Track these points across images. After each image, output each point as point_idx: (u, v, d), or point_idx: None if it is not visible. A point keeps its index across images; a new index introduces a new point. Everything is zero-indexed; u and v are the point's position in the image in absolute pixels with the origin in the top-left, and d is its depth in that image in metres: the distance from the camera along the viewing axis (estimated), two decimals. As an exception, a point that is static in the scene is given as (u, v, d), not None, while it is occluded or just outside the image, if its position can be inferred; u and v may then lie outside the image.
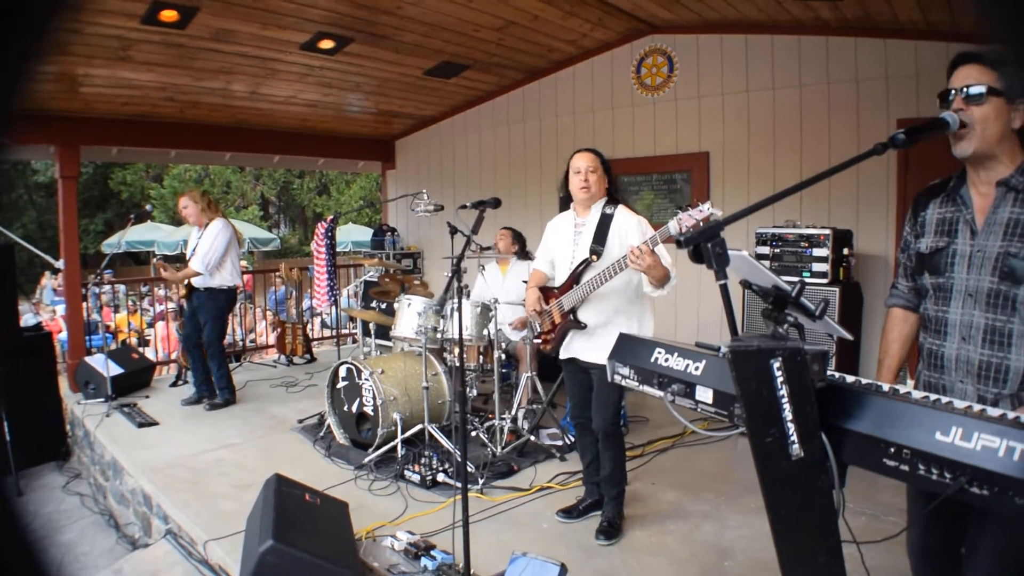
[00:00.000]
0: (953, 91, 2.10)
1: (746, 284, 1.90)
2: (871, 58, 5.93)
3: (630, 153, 7.48)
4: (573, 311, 3.88)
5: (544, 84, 8.30)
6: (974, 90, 2.05)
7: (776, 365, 1.53)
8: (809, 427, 1.59)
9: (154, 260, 6.97)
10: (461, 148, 9.46)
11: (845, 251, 5.42)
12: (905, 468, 1.58)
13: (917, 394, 1.80)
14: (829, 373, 1.80)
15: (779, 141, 6.44)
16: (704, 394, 1.96)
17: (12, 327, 6.38)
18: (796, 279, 5.32)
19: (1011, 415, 1.59)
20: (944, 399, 1.73)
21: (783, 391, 1.56)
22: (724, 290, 1.64)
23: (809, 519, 1.75)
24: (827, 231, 5.35)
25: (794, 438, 1.61)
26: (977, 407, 1.65)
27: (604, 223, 3.84)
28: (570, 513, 4.16)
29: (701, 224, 3.11)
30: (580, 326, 3.86)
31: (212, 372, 6.65)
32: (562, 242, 4.02)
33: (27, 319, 7.92)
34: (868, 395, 1.68)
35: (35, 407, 6.22)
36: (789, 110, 6.39)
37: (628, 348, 2.27)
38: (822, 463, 1.63)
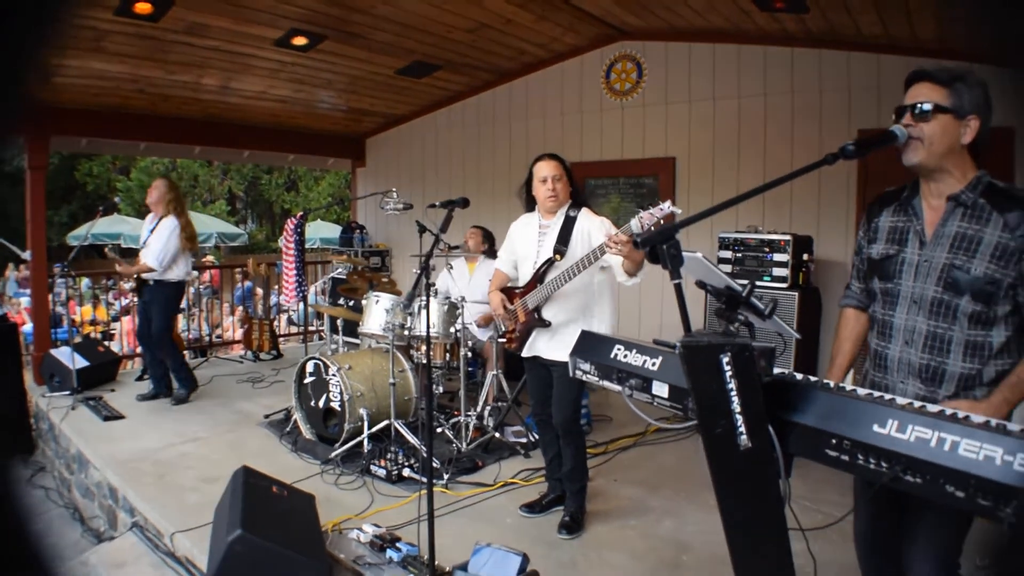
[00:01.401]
0: (906, 108, 2.20)
1: (701, 285, 1.99)
2: (834, 69, 6.10)
3: (598, 156, 7.61)
4: (537, 309, 3.97)
5: (515, 86, 8.39)
6: (922, 107, 2.15)
7: (725, 360, 1.63)
8: (757, 419, 1.70)
9: (107, 250, 6.90)
10: (431, 147, 9.52)
11: (805, 257, 5.57)
12: (845, 458, 1.69)
13: (861, 391, 1.91)
14: (784, 371, 1.91)
15: (744, 148, 6.59)
16: (660, 389, 2.06)
17: (-24, 318, 6.35)
18: (757, 283, 5.49)
19: (948, 411, 1.70)
20: (886, 396, 1.85)
21: (732, 384, 1.66)
22: (678, 289, 1.74)
23: (757, 507, 1.85)
24: (788, 237, 5.50)
25: (742, 429, 1.71)
26: (917, 404, 1.76)
27: (568, 225, 3.94)
28: (533, 508, 4.25)
29: (662, 222, 3.20)
30: (544, 324, 3.94)
31: (169, 366, 6.57)
32: (527, 243, 4.11)
33: (-9, 311, 7.85)
34: (813, 390, 1.79)
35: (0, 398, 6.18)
36: (754, 118, 6.54)
37: (589, 345, 2.36)
38: (769, 453, 1.73)
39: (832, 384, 1.91)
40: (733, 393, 1.67)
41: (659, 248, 1.69)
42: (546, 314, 3.96)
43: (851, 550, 2.67)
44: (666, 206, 3.22)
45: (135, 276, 6.52)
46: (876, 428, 1.63)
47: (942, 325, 2.19)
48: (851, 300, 2.61)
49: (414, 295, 3.65)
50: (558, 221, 3.98)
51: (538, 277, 3.96)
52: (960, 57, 5.22)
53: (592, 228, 3.89)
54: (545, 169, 3.94)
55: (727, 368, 1.64)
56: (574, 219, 3.94)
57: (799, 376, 1.92)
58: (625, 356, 2.20)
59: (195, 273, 9.87)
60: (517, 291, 4.10)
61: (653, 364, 2.10)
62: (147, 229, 6.50)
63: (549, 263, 3.91)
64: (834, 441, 1.69)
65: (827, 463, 1.73)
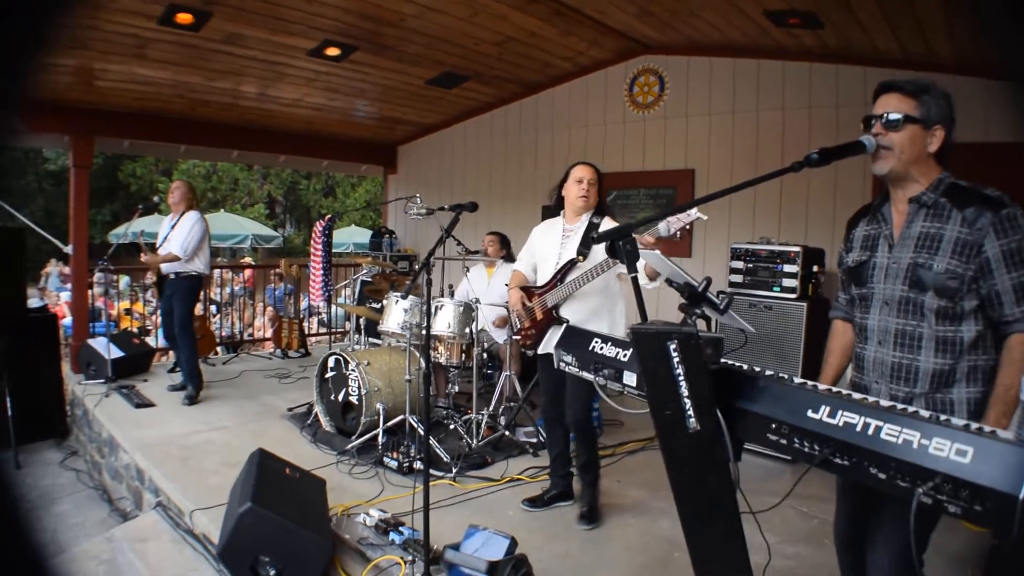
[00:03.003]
0: (875, 118, 2.34)
1: (669, 282, 2.16)
2: (851, 84, 6.18)
3: (620, 168, 7.77)
4: (556, 308, 4.19)
5: (541, 98, 8.60)
6: (892, 117, 2.26)
7: (673, 347, 1.79)
8: (704, 403, 1.85)
9: (143, 241, 7.05)
10: (460, 156, 9.76)
11: (815, 268, 5.66)
12: (784, 441, 1.83)
13: (822, 386, 2.05)
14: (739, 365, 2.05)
15: (761, 161, 6.69)
16: (630, 378, 2.22)
17: (20, 306, 6.68)
18: (767, 293, 5.61)
19: (885, 403, 1.84)
20: (816, 385, 1.98)
21: (679, 370, 1.82)
22: (635, 282, 1.90)
23: (708, 489, 2.00)
24: (797, 248, 5.59)
25: (691, 413, 1.87)
26: (856, 396, 1.90)
27: (591, 230, 4.17)
28: (535, 503, 4.43)
29: (687, 227, 3.41)
30: (562, 322, 4.13)
31: (181, 358, 6.75)
32: (549, 245, 4.31)
33: (33, 302, 8.20)
34: (761, 380, 1.94)
35: (37, 385, 6.50)
36: (772, 132, 6.66)
37: (572, 338, 2.54)
38: (718, 437, 1.89)
39: (783, 375, 2.04)
40: (681, 378, 1.83)
41: (616, 244, 1.85)
42: (564, 313, 4.17)
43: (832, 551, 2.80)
44: (693, 212, 3.39)
45: (157, 273, 6.76)
46: (810, 413, 1.78)
47: (911, 323, 2.29)
48: (838, 312, 2.73)
49: (412, 286, 3.86)
50: (582, 226, 4.19)
51: (559, 277, 4.17)
52: (975, 73, 5.31)
53: None
54: (582, 172, 4.20)
55: (674, 354, 1.80)
56: (597, 225, 4.17)
57: (756, 368, 2.07)
58: (601, 348, 2.37)
59: (230, 273, 10.16)
60: (536, 290, 4.31)
61: (624, 355, 2.26)
62: (168, 226, 6.71)
63: (572, 264, 4.12)
64: (774, 426, 1.83)
65: (769, 447, 1.88)
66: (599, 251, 4.02)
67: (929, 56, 5.70)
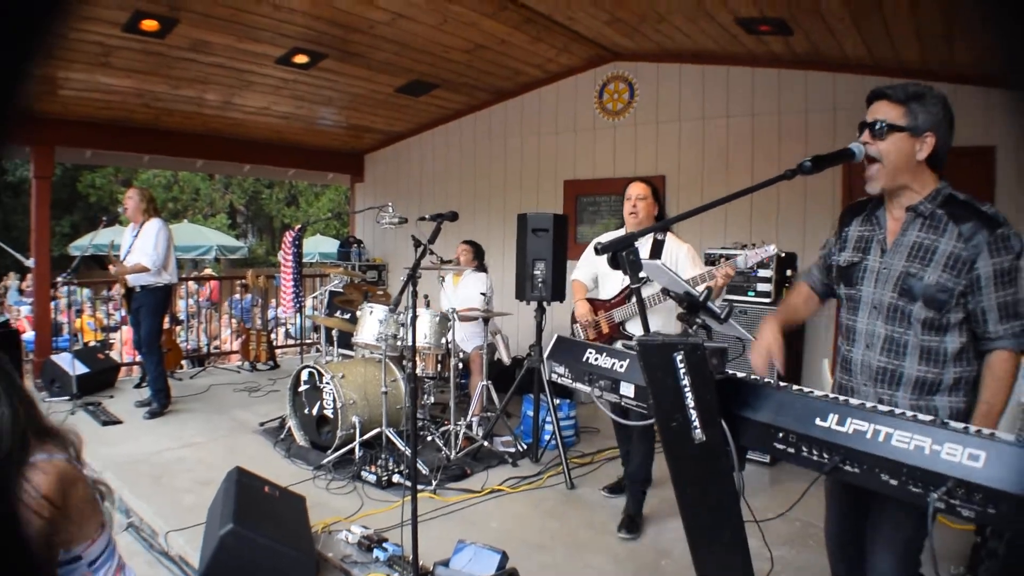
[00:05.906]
0: (867, 124, 2.34)
1: (666, 292, 2.13)
2: (820, 90, 6.26)
3: (590, 175, 7.77)
4: (623, 323, 4.26)
5: (511, 105, 8.57)
6: (878, 125, 2.27)
7: (679, 358, 1.77)
8: (710, 414, 1.83)
9: (112, 253, 6.83)
10: (429, 164, 9.69)
11: (788, 272, 5.69)
12: (791, 450, 1.82)
13: (818, 392, 2.04)
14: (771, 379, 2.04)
15: (732, 167, 6.74)
16: (627, 389, 2.20)
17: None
18: (741, 298, 5.63)
19: (883, 408, 1.83)
20: (840, 397, 1.97)
21: (686, 381, 1.79)
22: (637, 293, 1.87)
23: (713, 499, 1.98)
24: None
25: (697, 424, 1.84)
26: (855, 401, 1.89)
27: (657, 248, 4.21)
28: (613, 490, 4.72)
29: (764, 260, 3.61)
30: (629, 337, 4.19)
31: (148, 372, 6.61)
32: None
33: (-6, 318, 7.99)
34: (764, 389, 1.93)
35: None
36: (742, 138, 6.70)
37: (564, 349, 2.50)
38: (723, 447, 1.86)
39: (781, 384, 2.03)
40: (687, 389, 1.80)
41: (619, 255, 1.83)
42: (631, 328, 4.23)
43: (822, 553, 2.80)
44: (771, 248, 3.54)
45: (124, 285, 6.54)
46: (818, 422, 1.77)
47: (898, 330, 2.30)
48: (809, 279, 2.75)
49: (400, 298, 3.82)
50: (647, 243, 4.20)
51: (628, 293, 4.22)
52: (942, 78, 5.38)
53: (680, 254, 4.15)
54: (630, 189, 4.30)
55: (680, 365, 1.78)
56: (662, 243, 4.22)
57: (754, 377, 2.05)
58: (596, 359, 2.34)
59: (194, 285, 9.97)
60: (600, 303, 4.39)
61: (621, 366, 2.24)
62: (130, 236, 6.50)
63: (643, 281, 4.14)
64: (781, 435, 1.82)
65: (776, 455, 1.86)
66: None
67: (896, 61, 5.79)
